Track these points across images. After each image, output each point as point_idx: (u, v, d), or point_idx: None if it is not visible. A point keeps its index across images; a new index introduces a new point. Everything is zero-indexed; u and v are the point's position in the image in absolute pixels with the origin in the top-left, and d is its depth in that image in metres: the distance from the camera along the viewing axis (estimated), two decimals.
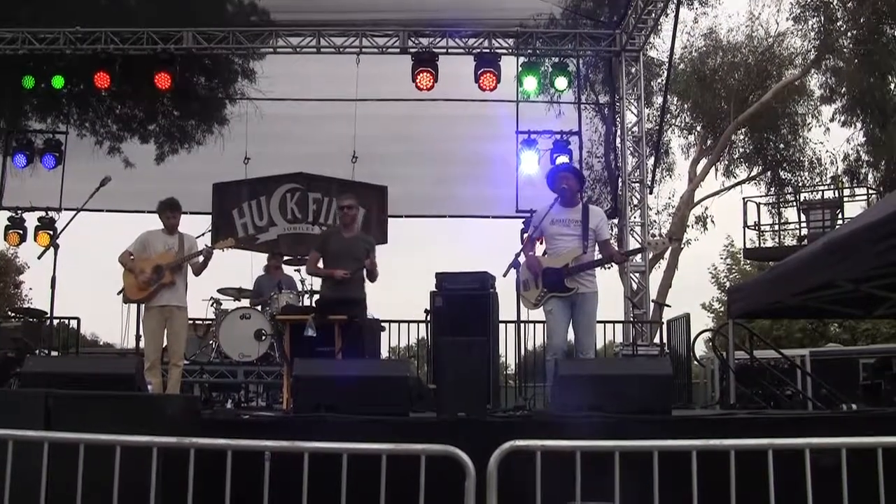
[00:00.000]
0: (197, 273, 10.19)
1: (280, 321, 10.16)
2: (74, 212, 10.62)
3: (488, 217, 17.39)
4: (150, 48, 16.05)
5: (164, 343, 10.00)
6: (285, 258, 14.03)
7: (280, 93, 16.83)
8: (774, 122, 27.97)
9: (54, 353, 13.43)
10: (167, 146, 18.57)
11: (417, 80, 15.50)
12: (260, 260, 14.52)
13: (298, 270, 12.97)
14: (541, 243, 8.92)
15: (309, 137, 16.73)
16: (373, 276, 9.89)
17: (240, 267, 14.90)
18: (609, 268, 23.33)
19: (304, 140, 16.76)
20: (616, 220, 16.60)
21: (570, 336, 8.78)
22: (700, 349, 19.48)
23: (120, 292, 10.18)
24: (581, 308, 8.67)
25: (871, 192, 24.50)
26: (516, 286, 8.59)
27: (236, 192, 16.42)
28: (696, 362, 14.54)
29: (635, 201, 16.17)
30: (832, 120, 27.66)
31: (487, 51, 16.01)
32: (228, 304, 13.26)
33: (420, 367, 14.74)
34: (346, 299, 9.68)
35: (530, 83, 15.91)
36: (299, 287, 12.71)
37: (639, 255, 15.78)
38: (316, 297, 11.60)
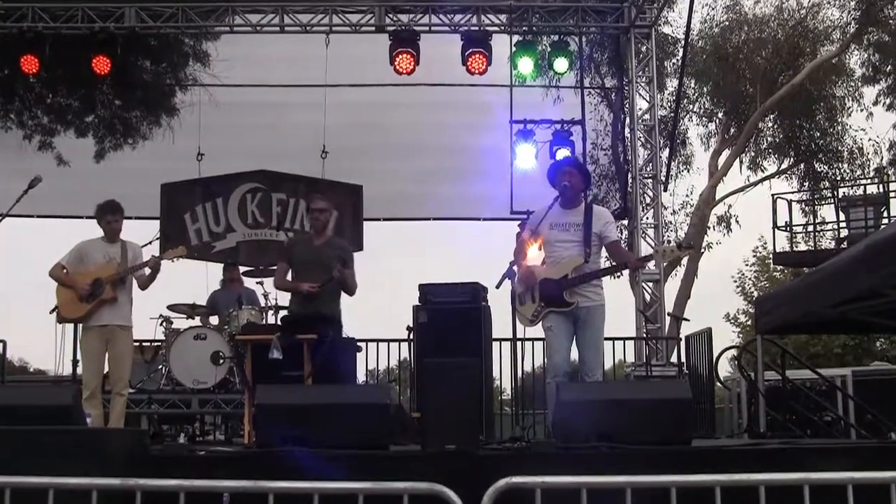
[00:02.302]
0: (143, 287, 10.15)
1: (240, 342, 10.15)
2: None
3: (479, 220, 17.43)
4: (85, 27, 15.93)
5: (106, 369, 9.97)
6: (245, 269, 14.02)
7: (238, 78, 16.82)
8: (808, 107, 28.01)
9: None
10: (107, 141, 18.56)
11: (396, 63, 15.48)
12: (217, 271, 14.52)
13: (261, 283, 12.93)
14: (539, 248, 8.92)
15: (272, 130, 16.76)
16: (348, 289, 9.90)
17: (193, 280, 14.90)
18: (619, 276, 23.50)
19: (266, 133, 16.79)
20: (626, 222, 16.63)
21: (574, 355, 8.78)
22: (724, 369, 19.58)
23: (53, 310, 10.14)
24: (586, 323, 8.66)
25: None
26: (511, 298, 8.60)
27: (188, 194, 16.41)
28: (719, 384, 14.59)
29: (648, 199, 16.19)
30: (876, 103, 27.79)
31: (476, 28, 15.99)
32: (180, 322, 13.23)
33: (402, 392, 14.74)
34: (316, 316, 9.67)
35: (526, 65, 15.91)
36: (262, 302, 12.69)
37: (652, 262, 15.81)
38: (282, 313, 11.60)
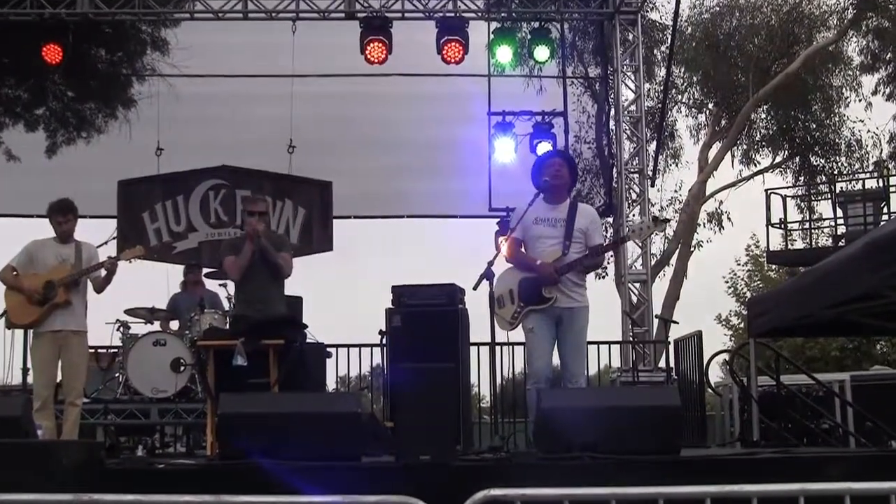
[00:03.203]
0: (98, 290, 10.12)
1: (202, 347, 10.12)
2: None
3: (455, 217, 17.44)
4: (35, 13, 15.83)
5: (59, 377, 9.93)
6: (207, 271, 13.98)
7: (199, 68, 16.76)
8: (803, 97, 28.10)
9: None
10: (60, 135, 18.48)
11: (367, 52, 15.46)
12: (178, 274, 14.47)
13: (224, 285, 12.89)
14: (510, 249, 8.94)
15: (236, 123, 16.71)
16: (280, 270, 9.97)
17: (152, 282, 14.83)
18: (603, 276, 23.58)
19: (229, 126, 16.73)
20: (611, 219, 16.66)
21: (556, 360, 8.80)
22: (715, 374, 19.65)
23: (2, 315, 10.12)
24: (568, 326, 8.67)
25: None
26: (490, 300, 8.60)
27: (147, 191, 16.36)
28: (710, 391, 14.64)
29: (634, 195, 16.20)
30: (875, 93, 27.89)
31: (452, 14, 15.99)
32: (138, 327, 13.18)
33: (375, 400, 14.71)
34: (273, 318, 9.69)
35: (504, 54, 15.94)
36: (226, 305, 12.66)
37: (639, 262, 15.84)
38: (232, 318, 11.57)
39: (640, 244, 15.32)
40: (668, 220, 7.97)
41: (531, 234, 8.83)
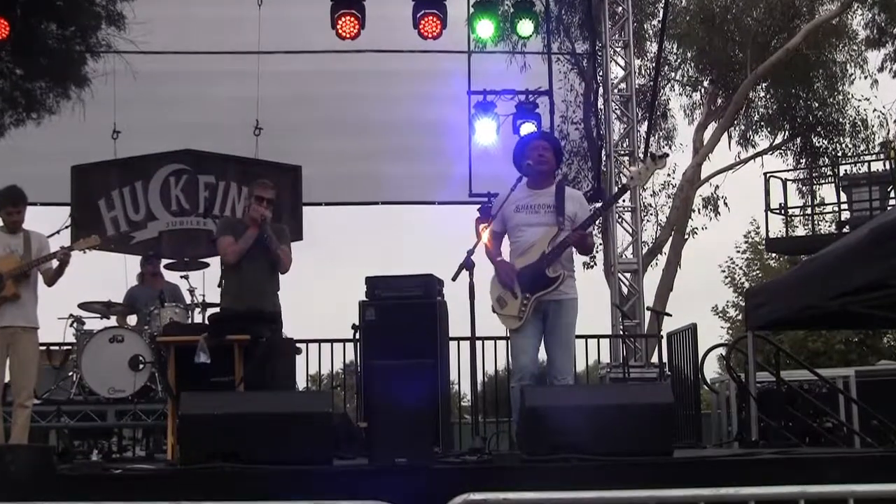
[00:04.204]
0: (50, 283, 10.09)
1: (162, 344, 10.11)
2: None
3: (433, 203, 17.44)
4: None
5: (7, 377, 9.90)
6: (167, 262, 13.96)
7: (159, 44, 16.64)
8: (805, 74, 28.09)
9: None
10: (7, 116, 18.36)
11: (338, 27, 15.42)
12: (136, 265, 14.41)
13: (186, 277, 12.87)
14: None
15: (198, 103, 16.65)
16: (282, 264, 10.01)
17: (109, 274, 14.81)
18: (592, 265, 23.60)
19: (191, 107, 16.67)
20: (599, 205, 16.68)
21: (542, 356, 8.80)
22: (711, 370, 19.70)
23: None
24: (555, 319, 8.67)
25: None
26: (470, 293, 8.58)
27: (103, 177, 16.30)
28: (705, 387, 14.67)
29: (624, 179, 16.23)
30: (881, 69, 27.88)
31: None
32: (93, 323, 13.14)
33: (348, 399, 14.73)
34: (255, 313, 9.69)
35: (485, 29, 15.90)
36: (188, 299, 12.64)
37: (629, 250, 15.88)
38: (212, 311, 11.54)
39: (630, 198, 15.21)
40: (668, 155, 7.98)
41: (512, 224, 8.82)
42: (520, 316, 8.70)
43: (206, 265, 13.22)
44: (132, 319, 13.36)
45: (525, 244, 8.75)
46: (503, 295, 8.76)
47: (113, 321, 13.15)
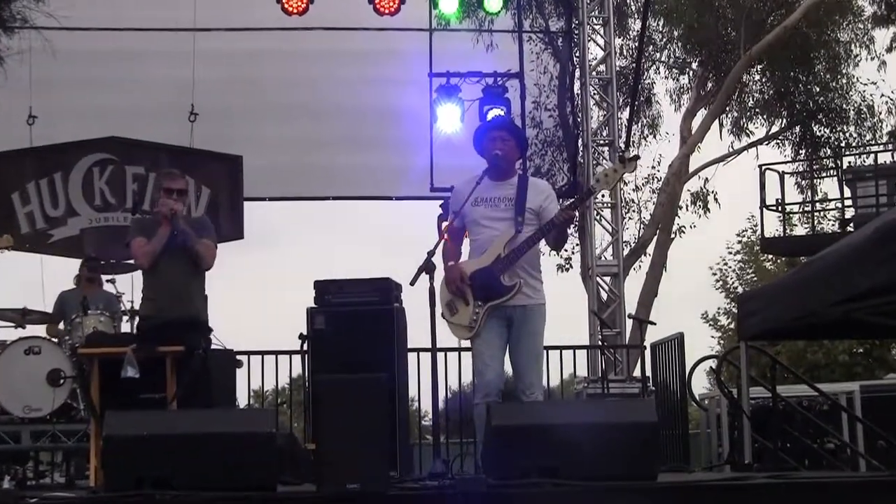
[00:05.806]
0: None
1: (84, 356, 10.07)
2: None
3: (391, 199, 17.47)
4: None
5: None
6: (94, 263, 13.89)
7: (82, 19, 16.57)
8: (805, 55, 28.10)
9: None
10: None
11: (284, 1, 15.46)
12: (55, 266, 14.36)
13: (112, 281, 12.83)
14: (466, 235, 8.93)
15: (126, 85, 16.62)
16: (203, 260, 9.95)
17: (25, 277, 14.77)
18: (567, 268, 23.65)
19: (118, 90, 16.63)
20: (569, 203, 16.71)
21: (509, 369, 8.81)
22: (700, 385, 19.78)
23: None
24: (521, 327, 8.65)
25: None
26: (430, 299, 8.60)
27: (17, 167, 16.23)
28: (694, 404, 14.73)
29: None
30: (890, 49, 28.03)
31: None
32: (6, 332, 13.08)
33: (294, 418, 14.72)
34: (185, 320, 9.67)
35: (449, 4, 15.95)
36: (118, 306, 12.59)
37: (609, 251, 15.94)
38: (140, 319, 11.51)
39: (610, 193, 15.33)
40: (638, 157, 7.90)
41: (470, 219, 8.81)
42: (471, 326, 8.66)
43: (136, 267, 13.19)
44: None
45: (483, 243, 8.72)
46: (454, 301, 8.73)
47: (34, 331, 13.04)
